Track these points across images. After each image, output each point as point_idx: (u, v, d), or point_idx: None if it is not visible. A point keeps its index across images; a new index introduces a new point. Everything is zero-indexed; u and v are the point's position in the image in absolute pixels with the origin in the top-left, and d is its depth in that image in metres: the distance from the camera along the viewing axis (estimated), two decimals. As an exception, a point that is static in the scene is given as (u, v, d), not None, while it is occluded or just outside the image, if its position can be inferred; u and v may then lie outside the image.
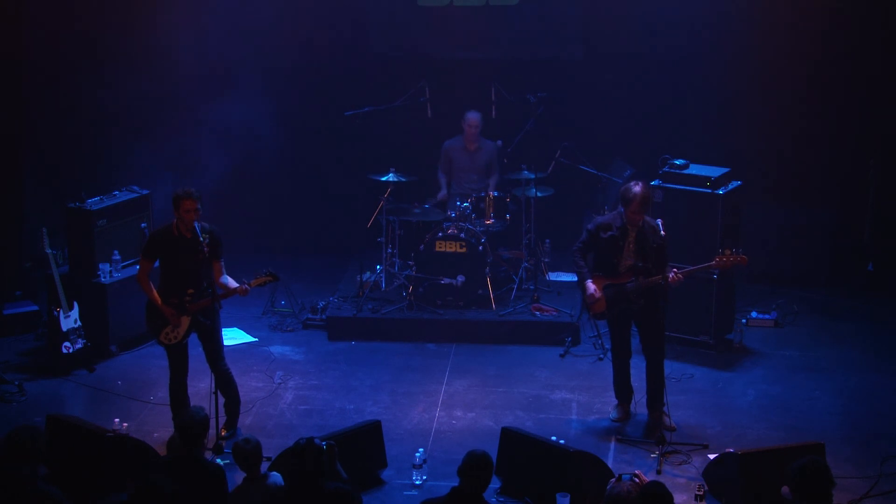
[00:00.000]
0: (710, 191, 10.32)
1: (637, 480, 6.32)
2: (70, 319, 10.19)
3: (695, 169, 10.56)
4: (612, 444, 8.95)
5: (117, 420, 8.89)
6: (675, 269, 8.71)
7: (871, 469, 8.41)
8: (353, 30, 12.72)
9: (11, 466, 6.36)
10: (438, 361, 10.52)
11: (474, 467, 6.54)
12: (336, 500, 6.47)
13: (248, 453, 7.11)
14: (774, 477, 6.69)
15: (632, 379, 9.37)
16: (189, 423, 6.92)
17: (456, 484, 6.61)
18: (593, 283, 8.97)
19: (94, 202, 10.58)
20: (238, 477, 7.29)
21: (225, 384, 8.88)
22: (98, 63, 12.13)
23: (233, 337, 10.82)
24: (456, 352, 10.73)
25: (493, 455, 8.09)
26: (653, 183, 10.42)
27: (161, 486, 6.23)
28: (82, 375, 10.17)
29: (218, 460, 8.17)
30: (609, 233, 8.94)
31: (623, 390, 9.36)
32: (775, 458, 7.68)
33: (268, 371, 10.31)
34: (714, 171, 10.50)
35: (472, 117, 11.75)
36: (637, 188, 8.81)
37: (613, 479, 6.33)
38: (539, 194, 11.43)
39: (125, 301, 10.34)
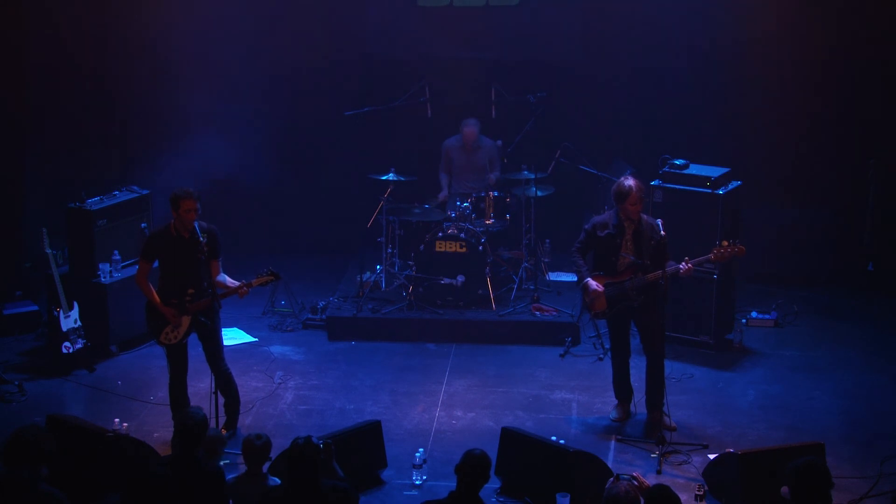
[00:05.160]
0: (710, 191, 10.33)
1: (636, 483, 6.32)
2: (70, 319, 10.19)
3: (695, 169, 10.57)
4: (612, 444, 8.95)
5: (117, 420, 8.87)
6: (686, 259, 8.73)
7: (871, 469, 8.42)
8: (353, 30, 12.73)
9: (15, 467, 6.36)
10: (438, 361, 10.52)
11: (473, 466, 6.54)
12: (333, 497, 6.48)
13: (257, 450, 7.12)
14: (774, 477, 6.69)
15: (631, 378, 9.37)
16: (188, 423, 6.91)
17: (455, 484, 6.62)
18: (593, 281, 8.98)
19: (94, 202, 10.58)
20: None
21: (225, 384, 8.88)
22: (99, 64, 12.14)
23: (233, 337, 10.82)
24: (456, 352, 10.73)
25: (493, 455, 8.12)
26: (653, 183, 10.44)
27: (157, 479, 6.26)
28: (82, 375, 10.17)
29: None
30: (606, 231, 8.96)
31: (623, 389, 9.36)
32: (775, 458, 7.67)
33: (268, 371, 10.31)
34: (714, 171, 10.50)
35: (468, 130, 11.78)
36: (629, 181, 8.84)
37: (612, 479, 6.33)
38: (539, 194, 11.43)
39: (125, 301, 10.34)
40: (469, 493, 6.52)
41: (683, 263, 8.73)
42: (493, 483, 8.16)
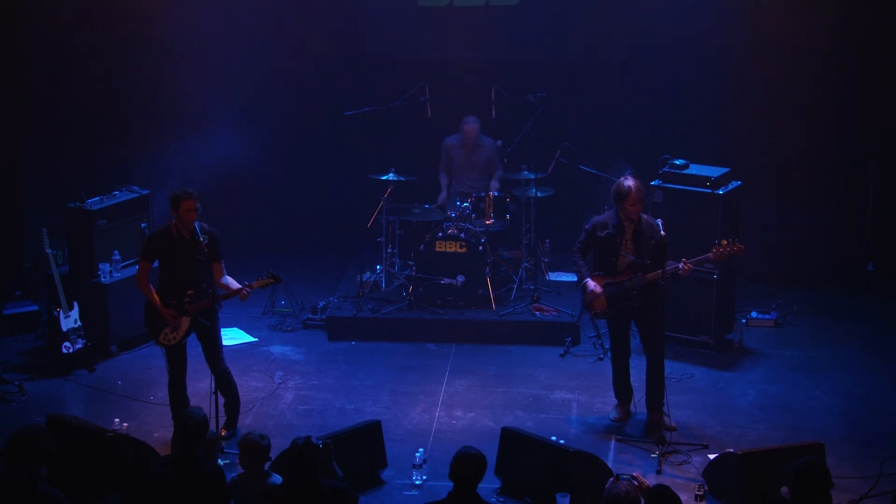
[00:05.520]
0: (710, 191, 10.33)
1: (636, 483, 6.32)
2: (70, 319, 10.19)
3: (695, 169, 10.57)
4: (612, 444, 8.95)
5: (117, 420, 8.88)
6: (684, 259, 8.74)
7: (871, 469, 8.42)
8: (353, 30, 12.74)
9: (15, 467, 6.37)
10: (438, 361, 10.52)
11: (468, 465, 6.52)
12: (333, 497, 6.48)
13: (262, 449, 7.12)
14: (774, 477, 6.68)
15: (631, 378, 9.37)
16: (188, 423, 6.91)
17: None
18: (592, 281, 8.98)
19: (94, 202, 10.58)
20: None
21: (224, 384, 8.88)
22: (99, 63, 12.14)
23: (233, 337, 10.82)
24: (456, 352, 10.72)
25: (494, 455, 8.13)
26: (653, 183, 10.44)
27: (157, 479, 6.27)
28: (82, 375, 10.17)
29: (218, 460, 8.17)
30: (605, 231, 8.96)
31: (623, 389, 9.36)
32: (775, 458, 7.67)
33: (268, 371, 10.31)
34: (714, 171, 10.50)
35: (469, 127, 11.78)
36: (629, 181, 8.84)
37: (612, 479, 6.33)
38: (539, 194, 11.43)
39: (125, 301, 10.34)
40: (467, 493, 6.51)
41: (682, 263, 8.73)
42: (494, 483, 8.17)
